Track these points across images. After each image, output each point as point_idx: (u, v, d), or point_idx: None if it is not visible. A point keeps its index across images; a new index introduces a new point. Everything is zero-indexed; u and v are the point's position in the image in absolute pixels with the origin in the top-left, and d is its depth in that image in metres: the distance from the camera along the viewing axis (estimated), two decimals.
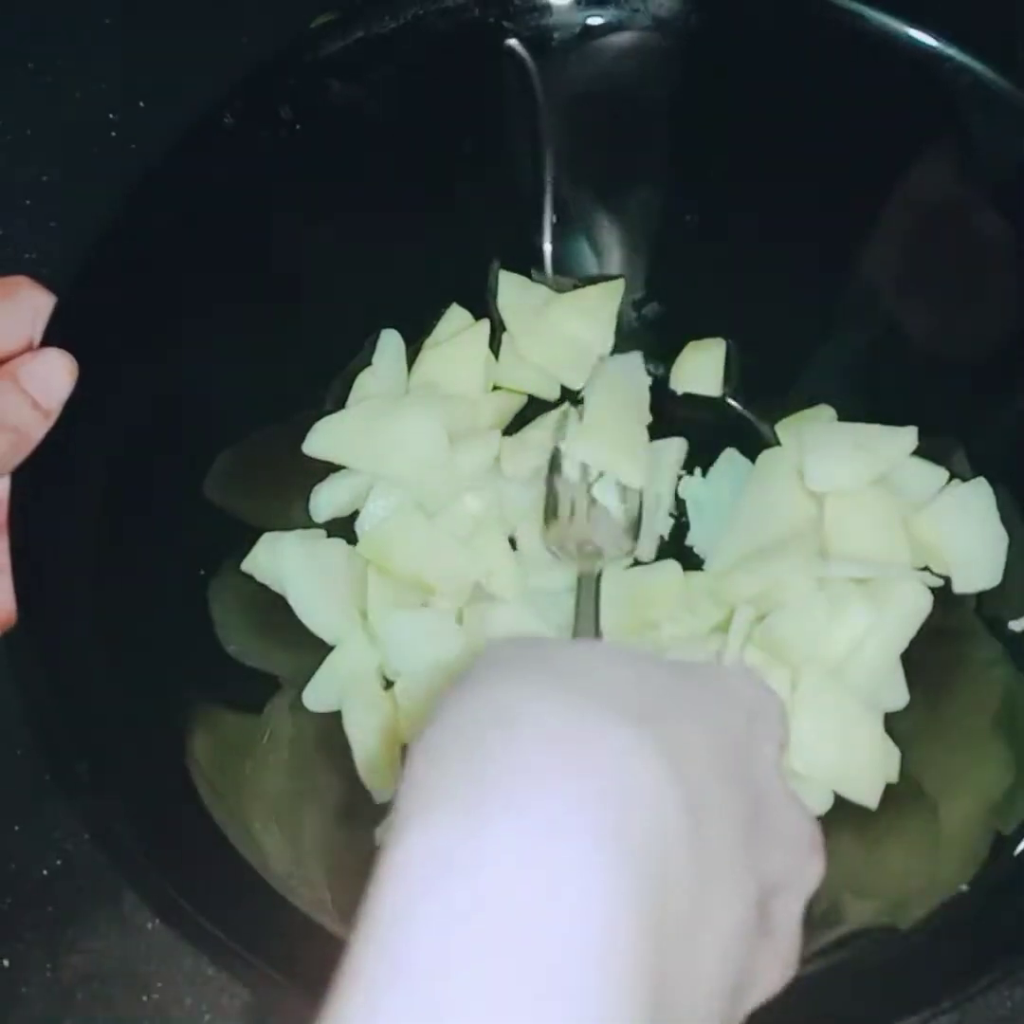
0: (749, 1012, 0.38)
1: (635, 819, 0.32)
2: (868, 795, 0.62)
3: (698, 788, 0.34)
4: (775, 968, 0.39)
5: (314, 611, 0.67)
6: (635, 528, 0.69)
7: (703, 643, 0.66)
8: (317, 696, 0.66)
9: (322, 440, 0.69)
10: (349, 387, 0.72)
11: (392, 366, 0.72)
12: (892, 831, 0.62)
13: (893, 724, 0.65)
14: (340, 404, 0.71)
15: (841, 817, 0.62)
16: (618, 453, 0.70)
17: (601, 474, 0.70)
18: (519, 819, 0.31)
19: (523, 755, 0.33)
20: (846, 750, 0.62)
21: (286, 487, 0.70)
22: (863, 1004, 0.51)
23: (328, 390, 0.72)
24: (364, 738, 0.64)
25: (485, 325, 0.73)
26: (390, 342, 0.72)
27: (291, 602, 0.67)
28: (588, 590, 0.65)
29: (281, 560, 0.67)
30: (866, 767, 0.62)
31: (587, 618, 0.63)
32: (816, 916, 0.57)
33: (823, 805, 0.63)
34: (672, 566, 0.69)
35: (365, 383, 0.71)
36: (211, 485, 0.66)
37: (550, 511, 0.69)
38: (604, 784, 0.32)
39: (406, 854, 0.32)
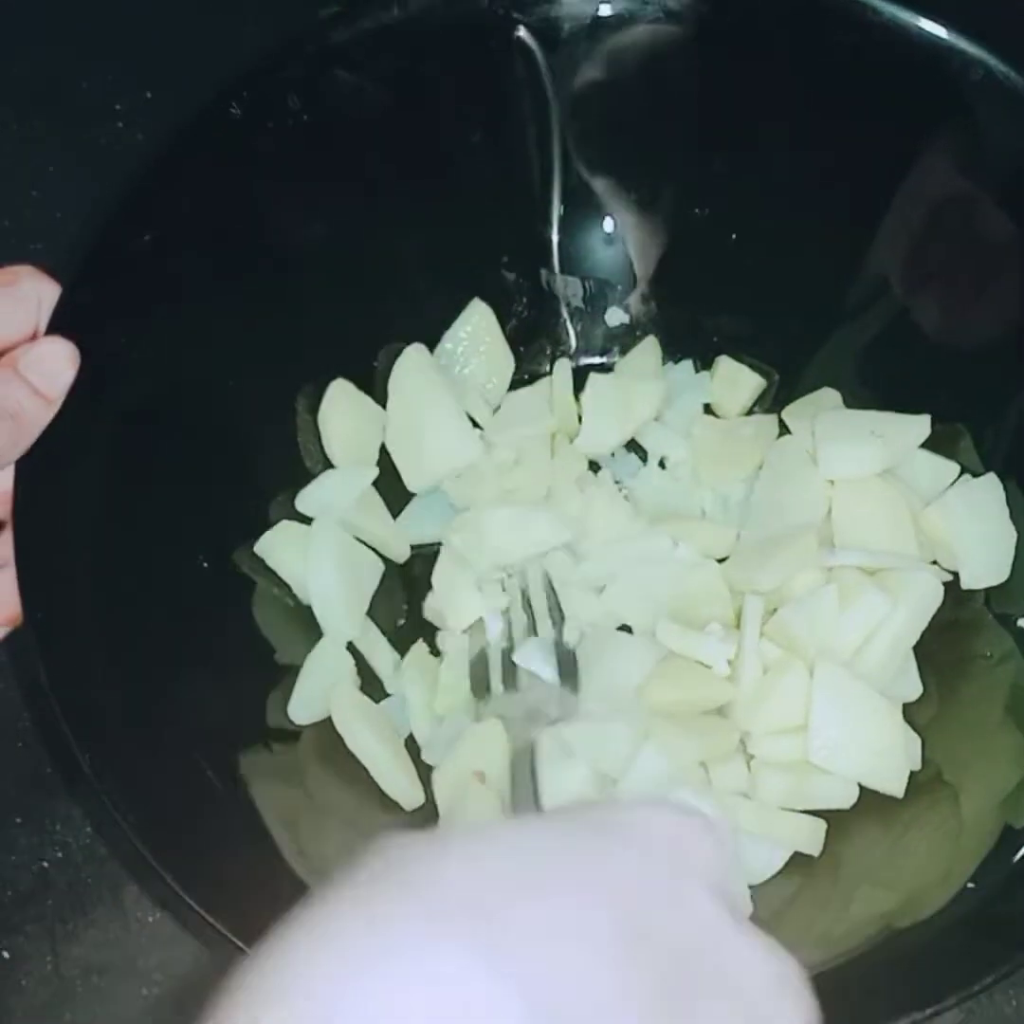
0: None
1: None
2: (894, 784, 0.62)
3: (557, 980, 0.30)
4: None
5: (331, 602, 0.67)
6: (573, 681, 0.65)
7: (730, 632, 0.66)
8: (302, 710, 0.65)
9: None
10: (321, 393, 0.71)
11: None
12: (917, 821, 0.61)
13: (908, 715, 0.64)
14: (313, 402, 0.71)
15: (866, 809, 0.62)
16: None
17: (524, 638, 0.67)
18: None
19: None
20: (868, 740, 0.62)
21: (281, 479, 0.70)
22: (870, 1001, 0.50)
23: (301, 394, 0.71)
24: (370, 748, 0.64)
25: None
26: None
27: (310, 586, 0.67)
28: (522, 767, 0.61)
29: (313, 543, 0.67)
30: (889, 756, 0.62)
31: (524, 795, 0.58)
32: (834, 906, 0.58)
33: (848, 799, 0.62)
34: (712, 567, 0.68)
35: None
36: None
37: (479, 685, 0.66)
38: None
39: None
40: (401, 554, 0.71)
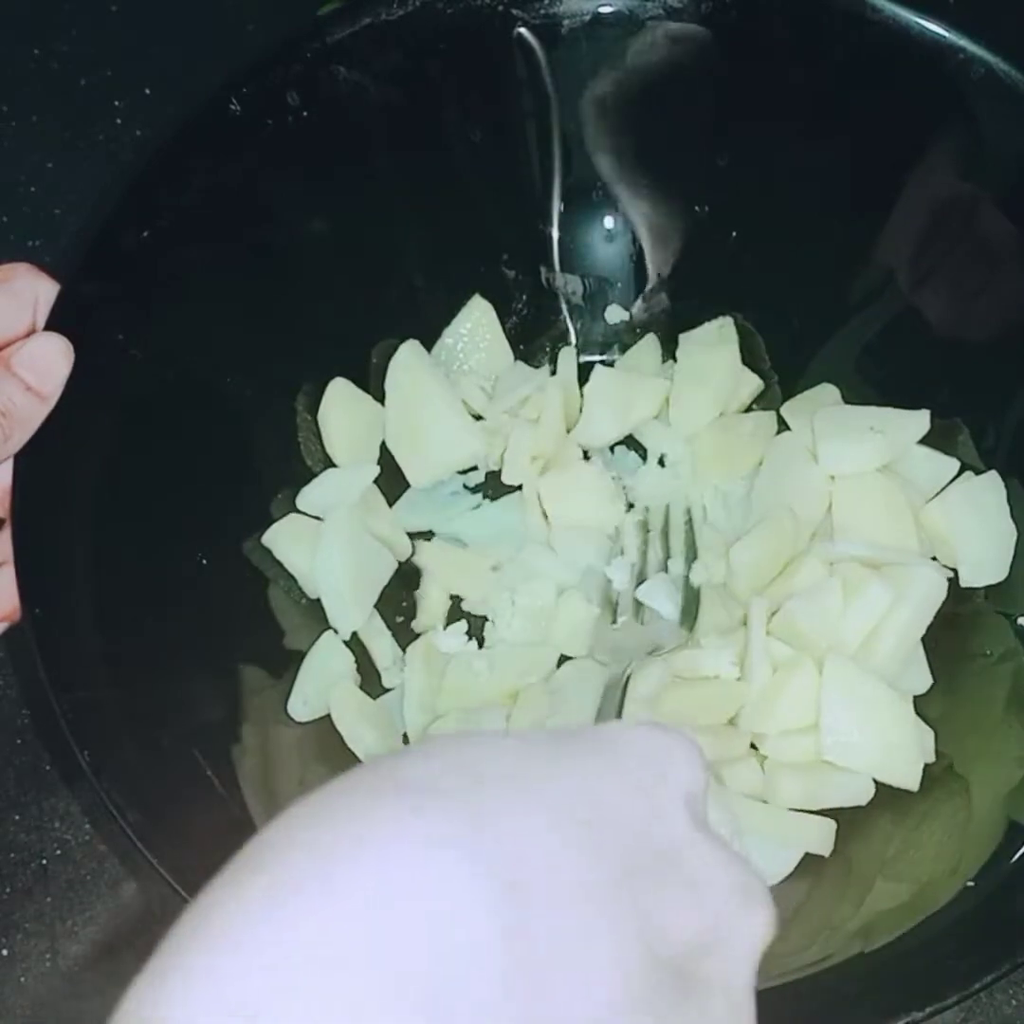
0: None
1: (392, 936, 0.29)
2: (908, 778, 0.62)
3: (527, 860, 0.32)
4: None
5: (339, 592, 0.67)
6: (692, 620, 0.67)
7: (733, 637, 0.66)
8: (301, 707, 0.66)
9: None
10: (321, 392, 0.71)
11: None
12: (930, 814, 0.61)
13: (919, 709, 0.64)
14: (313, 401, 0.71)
15: (878, 805, 0.62)
16: None
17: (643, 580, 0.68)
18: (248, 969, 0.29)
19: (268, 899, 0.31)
20: (881, 735, 0.62)
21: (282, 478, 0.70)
22: (869, 999, 0.50)
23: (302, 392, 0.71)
24: (370, 746, 0.64)
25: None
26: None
27: (319, 574, 0.67)
28: (611, 699, 0.62)
29: (326, 532, 0.67)
30: (903, 750, 0.62)
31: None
32: (848, 903, 0.58)
33: (865, 796, 0.62)
34: (718, 569, 0.68)
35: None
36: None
37: (607, 613, 0.68)
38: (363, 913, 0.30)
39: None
40: (403, 551, 0.71)
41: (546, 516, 0.71)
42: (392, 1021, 0.28)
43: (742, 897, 0.36)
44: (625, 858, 0.34)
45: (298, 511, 0.69)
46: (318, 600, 0.68)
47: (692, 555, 0.69)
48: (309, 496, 0.69)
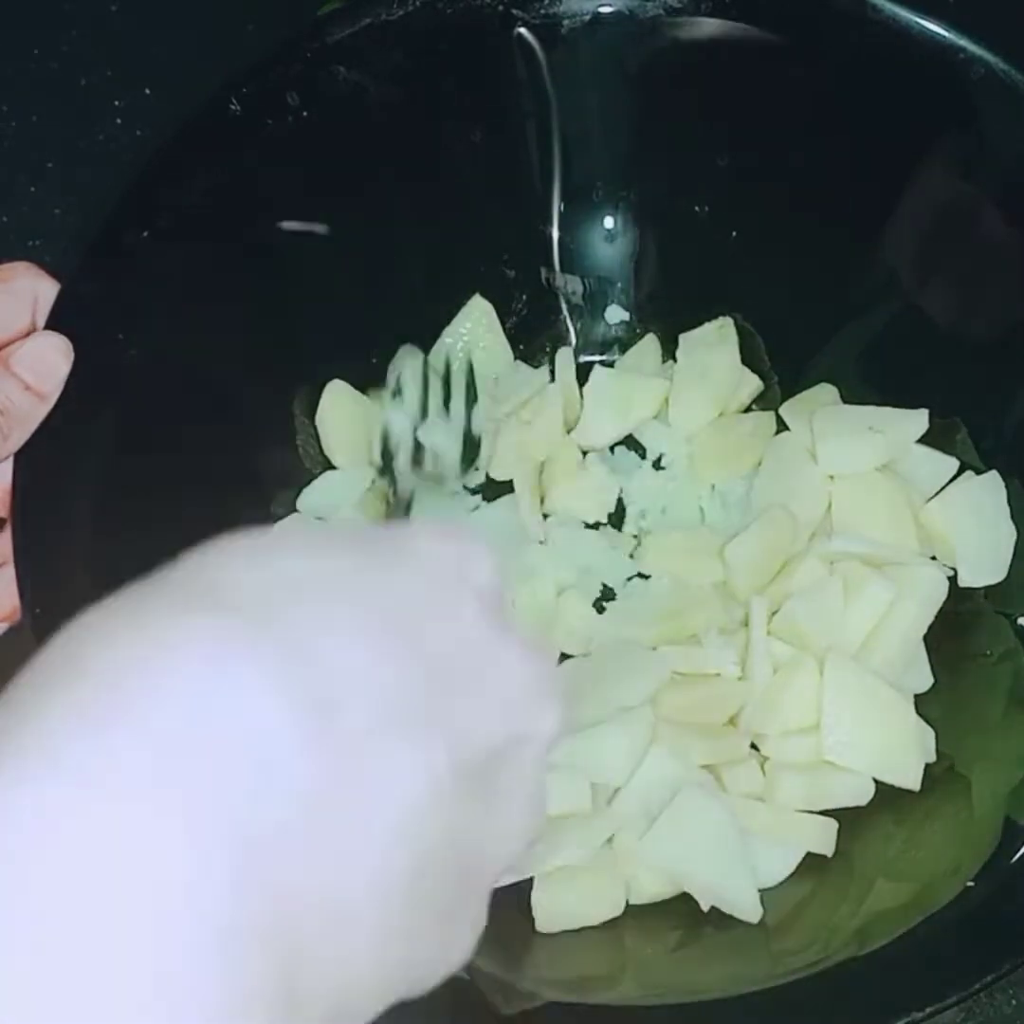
0: (498, 879, 0.36)
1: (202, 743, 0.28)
2: (909, 777, 0.62)
3: (328, 672, 0.31)
4: (511, 829, 0.36)
5: None
6: (472, 462, 0.67)
7: (733, 637, 0.66)
8: None
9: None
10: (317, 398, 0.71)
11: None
12: (932, 814, 0.61)
13: (920, 708, 0.64)
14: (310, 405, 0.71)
15: (879, 804, 0.62)
16: None
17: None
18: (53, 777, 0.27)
19: (77, 695, 0.29)
20: (882, 735, 0.62)
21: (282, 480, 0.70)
22: (868, 1000, 0.51)
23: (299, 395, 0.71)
24: None
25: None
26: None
27: None
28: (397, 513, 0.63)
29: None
30: (904, 749, 0.62)
31: None
32: (850, 903, 0.57)
33: (866, 796, 0.62)
34: (715, 569, 0.69)
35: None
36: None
37: (386, 461, 0.66)
38: (168, 717, 0.29)
39: None
40: None
41: (545, 516, 0.71)
42: (187, 845, 0.27)
43: (536, 692, 0.37)
44: (429, 662, 0.34)
45: (299, 512, 0.69)
46: None
47: (472, 398, 0.68)
48: (310, 498, 0.69)
